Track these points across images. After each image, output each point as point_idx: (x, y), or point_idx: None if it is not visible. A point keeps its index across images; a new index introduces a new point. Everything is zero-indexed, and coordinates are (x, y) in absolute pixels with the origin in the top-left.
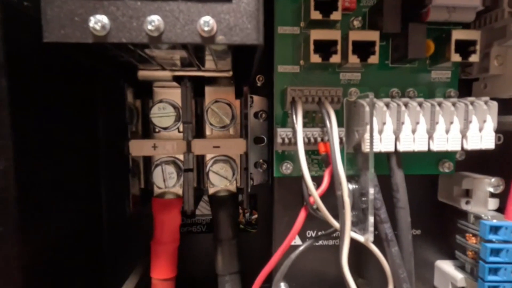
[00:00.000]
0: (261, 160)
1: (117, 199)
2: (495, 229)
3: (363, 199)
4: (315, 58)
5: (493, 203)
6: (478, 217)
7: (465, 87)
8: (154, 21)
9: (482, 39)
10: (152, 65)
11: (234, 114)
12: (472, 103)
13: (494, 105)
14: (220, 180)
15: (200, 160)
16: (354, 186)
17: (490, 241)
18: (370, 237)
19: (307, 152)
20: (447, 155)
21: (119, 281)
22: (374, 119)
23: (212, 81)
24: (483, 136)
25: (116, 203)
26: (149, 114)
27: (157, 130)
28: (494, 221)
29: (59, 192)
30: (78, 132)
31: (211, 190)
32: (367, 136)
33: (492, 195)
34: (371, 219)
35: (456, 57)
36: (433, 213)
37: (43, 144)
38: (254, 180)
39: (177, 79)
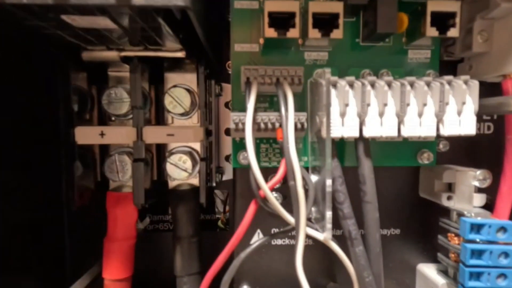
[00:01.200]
0: None
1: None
2: (477, 228)
3: None
4: (270, 33)
5: (479, 199)
6: (461, 214)
7: (448, 69)
8: None
9: (464, 12)
10: (96, 44)
11: (194, 101)
12: (449, 82)
13: (475, 84)
14: (179, 172)
15: (162, 152)
16: (318, 178)
17: (472, 241)
18: (328, 234)
19: (268, 141)
20: (426, 145)
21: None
22: (335, 100)
23: (174, 67)
24: (462, 120)
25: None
26: (101, 100)
27: (113, 118)
28: (478, 218)
29: (10, 182)
30: (35, 119)
31: (171, 184)
32: (325, 120)
33: (479, 190)
34: (328, 214)
35: (432, 32)
36: (414, 211)
37: None
38: (226, 174)
39: (128, 60)
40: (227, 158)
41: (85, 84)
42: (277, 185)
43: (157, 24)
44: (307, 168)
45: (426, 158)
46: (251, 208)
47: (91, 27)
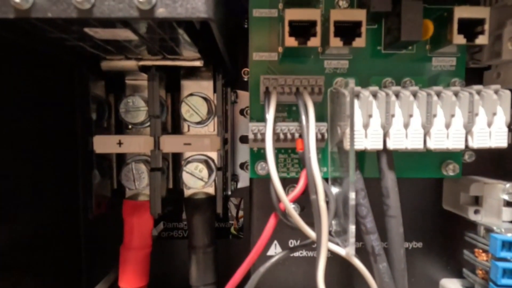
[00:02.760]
0: (247, 161)
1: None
2: (508, 245)
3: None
4: (291, 42)
5: (509, 214)
6: (489, 230)
7: (474, 77)
8: None
9: (492, 18)
10: (115, 54)
11: (211, 109)
12: (479, 92)
13: (507, 94)
14: (195, 181)
15: (178, 160)
16: (338, 190)
17: (503, 259)
18: (351, 250)
19: (286, 151)
20: (451, 155)
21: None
22: (358, 111)
23: (190, 74)
24: (492, 132)
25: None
26: (118, 109)
27: (130, 126)
28: (509, 235)
29: (28, 190)
30: (53, 127)
31: (187, 193)
32: (348, 131)
33: (508, 203)
34: (352, 229)
35: (459, 39)
36: (437, 223)
37: (9, 139)
38: (240, 182)
39: (145, 70)
40: (241, 165)
41: (103, 93)
42: None
43: (176, 35)
44: (326, 179)
45: (451, 169)
46: (271, 222)
47: (112, 39)
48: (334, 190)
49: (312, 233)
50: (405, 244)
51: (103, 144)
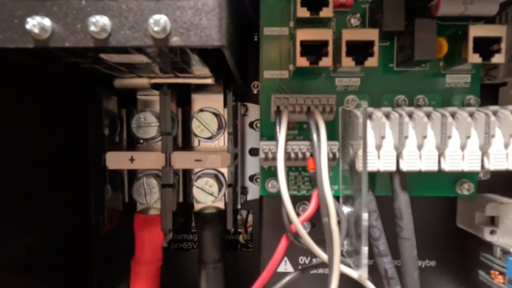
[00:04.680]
0: (257, 173)
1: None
2: None
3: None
4: (302, 62)
5: None
6: (506, 252)
7: (489, 93)
8: (99, 21)
9: (508, 36)
10: (127, 73)
11: (221, 124)
12: (495, 113)
13: None
14: (205, 196)
15: (188, 174)
16: (350, 209)
17: None
18: (364, 273)
19: (297, 169)
20: (466, 174)
21: None
22: (371, 132)
23: (201, 88)
24: (510, 154)
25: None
26: (130, 124)
27: (141, 141)
28: None
29: (40, 205)
30: (66, 143)
31: (197, 207)
32: (361, 152)
33: None
34: (365, 251)
35: (474, 58)
36: (450, 241)
37: (20, 152)
38: (249, 194)
39: (157, 87)
40: (251, 178)
41: (115, 108)
42: None
43: (189, 58)
44: (337, 197)
45: (466, 188)
46: (282, 244)
47: (126, 62)
48: (346, 209)
49: (324, 256)
50: (417, 263)
51: (116, 160)
